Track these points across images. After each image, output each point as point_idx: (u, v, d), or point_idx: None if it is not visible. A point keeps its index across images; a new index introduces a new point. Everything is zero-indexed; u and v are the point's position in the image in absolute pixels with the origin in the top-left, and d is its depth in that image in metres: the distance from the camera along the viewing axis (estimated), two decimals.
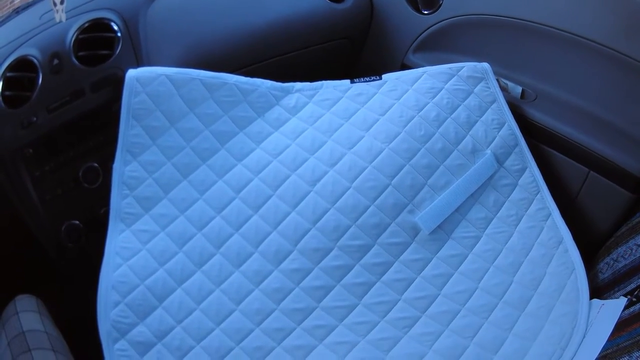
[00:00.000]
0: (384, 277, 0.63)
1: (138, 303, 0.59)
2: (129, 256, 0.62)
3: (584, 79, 0.78)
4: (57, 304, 0.73)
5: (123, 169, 0.66)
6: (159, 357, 0.57)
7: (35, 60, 0.72)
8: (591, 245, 0.71)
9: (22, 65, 0.73)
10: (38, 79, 0.72)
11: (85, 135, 0.74)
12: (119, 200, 0.64)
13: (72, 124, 0.73)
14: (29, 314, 0.64)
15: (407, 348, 0.59)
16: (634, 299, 0.56)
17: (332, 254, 0.63)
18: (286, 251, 0.63)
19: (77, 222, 0.74)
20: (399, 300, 0.62)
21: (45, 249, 0.76)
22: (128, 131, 0.67)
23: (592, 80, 0.77)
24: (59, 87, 0.72)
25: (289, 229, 0.64)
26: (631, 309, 0.56)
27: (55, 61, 0.73)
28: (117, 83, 0.70)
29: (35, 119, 0.71)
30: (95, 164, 0.74)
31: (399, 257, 0.64)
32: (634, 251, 0.62)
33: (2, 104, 0.70)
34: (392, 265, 0.64)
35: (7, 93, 0.71)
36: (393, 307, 0.62)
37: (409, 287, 0.63)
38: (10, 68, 0.72)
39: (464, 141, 0.71)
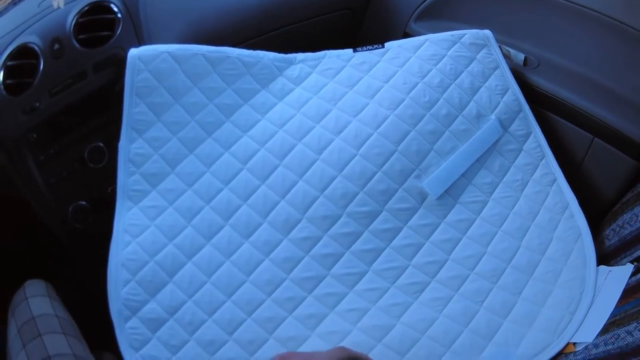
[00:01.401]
0: (393, 243, 0.63)
1: (148, 280, 0.59)
2: (137, 233, 0.62)
3: (585, 47, 0.78)
4: (68, 287, 0.73)
5: (129, 146, 0.65)
6: (171, 333, 0.57)
7: (35, 47, 0.72)
8: (596, 212, 0.71)
9: (23, 53, 0.72)
10: (39, 65, 0.71)
11: (89, 116, 0.73)
12: (126, 178, 0.64)
13: (75, 105, 0.73)
14: (38, 299, 0.64)
15: (418, 313, 0.59)
16: None
17: (340, 221, 0.63)
18: (295, 220, 0.63)
19: (84, 202, 0.74)
20: (409, 265, 0.62)
21: (54, 232, 0.76)
22: (132, 109, 0.67)
23: (594, 48, 0.77)
24: (61, 71, 0.72)
25: (297, 198, 0.64)
26: (638, 276, 0.56)
27: (56, 46, 0.72)
28: (120, 63, 0.70)
29: (37, 104, 0.71)
30: (101, 144, 0.73)
31: (407, 223, 0.65)
32: (639, 218, 0.62)
33: (4, 92, 0.70)
34: (400, 231, 0.64)
35: (8, 81, 0.70)
36: (403, 273, 0.62)
37: (417, 252, 0.63)
38: (11, 57, 0.72)
39: (468, 107, 0.71)
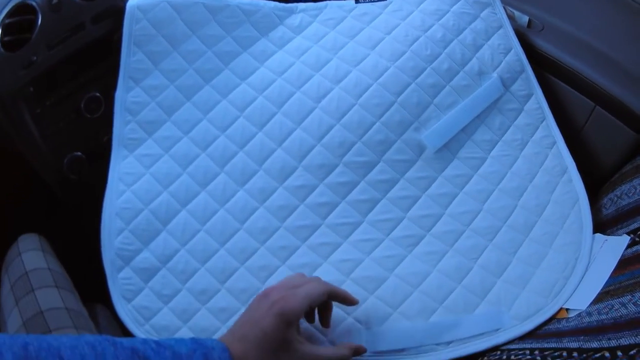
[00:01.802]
0: (389, 194, 0.63)
1: (142, 228, 0.59)
2: (132, 182, 0.61)
3: (593, 17, 0.77)
4: (62, 239, 0.73)
5: (125, 95, 0.65)
6: (164, 282, 0.57)
7: (33, 3, 0.71)
8: (594, 180, 0.70)
9: (21, 10, 0.72)
10: (37, 20, 0.70)
11: (86, 67, 0.73)
12: (122, 127, 0.64)
13: (73, 57, 0.72)
14: (31, 253, 0.63)
15: (412, 267, 0.59)
16: (637, 239, 0.56)
17: (337, 170, 0.62)
18: (291, 168, 0.62)
19: (80, 153, 0.74)
20: (404, 218, 0.62)
21: (49, 184, 0.76)
22: (130, 58, 0.66)
23: (602, 19, 0.76)
24: (59, 25, 0.71)
25: (294, 146, 0.63)
26: (634, 248, 0.55)
27: (54, 0, 0.72)
28: (118, 14, 0.69)
29: (35, 58, 0.70)
30: (97, 94, 0.73)
31: (404, 175, 0.64)
32: (638, 190, 0.62)
33: (2, 50, 0.69)
34: (397, 183, 0.63)
35: (6, 38, 0.69)
36: (398, 225, 0.61)
37: (413, 205, 0.63)
38: (9, 15, 0.71)
39: (470, 63, 0.70)
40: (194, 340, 0.43)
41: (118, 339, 0.40)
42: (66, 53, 0.71)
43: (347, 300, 0.53)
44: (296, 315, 0.46)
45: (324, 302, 0.52)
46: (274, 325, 0.45)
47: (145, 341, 0.41)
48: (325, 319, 0.53)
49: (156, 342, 0.41)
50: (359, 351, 0.52)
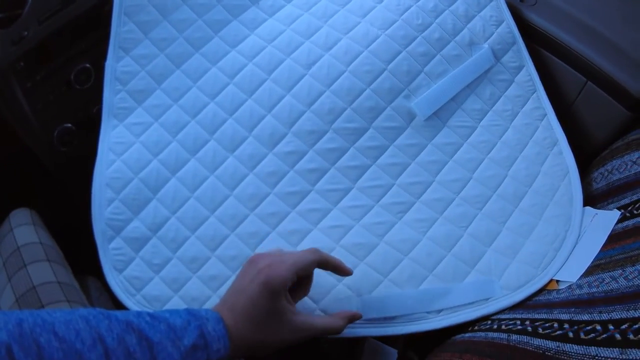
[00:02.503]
0: (379, 161, 0.63)
1: (132, 197, 0.59)
2: (122, 151, 0.61)
3: None
4: (53, 213, 0.73)
5: (115, 65, 0.64)
6: (154, 251, 0.57)
7: None
8: (584, 154, 0.70)
9: None
10: None
11: (76, 39, 0.72)
12: (112, 96, 0.64)
13: (63, 29, 0.72)
14: (23, 228, 0.63)
15: (401, 234, 0.59)
16: (628, 214, 0.56)
17: (326, 136, 0.62)
18: (280, 134, 0.62)
19: (70, 125, 0.73)
20: (394, 184, 0.62)
21: (39, 157, 0.75)
22: (120, 28, 0.66)
23: None
24: None
25: (284, 112, 0.63)
26: (624, 224, 0.55)
27: None
28: None
29: (26, 33, 0.70)
30: (87, 65, 0.72)
31: (394, 142, 0.64)
32: (628, 167, 0.62)
33: None
34: (387, 150, 0.63)
35: None
36: (387, 192, 0.61)
37: (403, 172, 0.63)
38: None
39: (461, 33, 0.70)
40: (188, 311, 0.43)
41: (112, 312, 0.40)
42: (57, 26, 0.71)
43: (340, 270, 0.52)
44: (281, 283, 0.45)
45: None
46: (259, 293, 0.44)
47: (139, 314, 0.41)
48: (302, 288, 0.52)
49: (150, 315, 0.41)
50: (353, 319, 0.51)
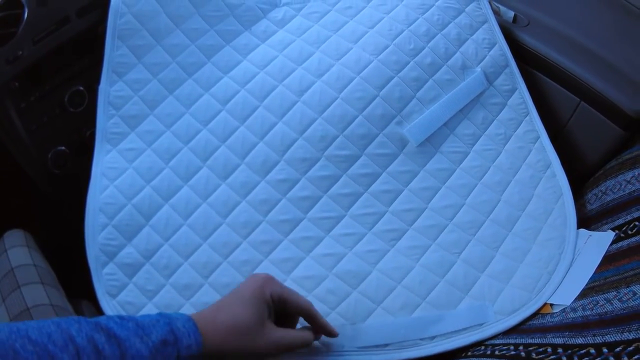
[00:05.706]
0: (371, 188, 0.63)
1: (125, 223, 0.59)
2: (115, 176, 0.61)
3: (578, 13, 0.77)
4: (47, 235, 0.73)
5: (108, 89, 0.65)
6: (148, 278, 0.57)
7: None
8: (578, 175, 0.70)
9: (7, 5, 0.71)
10: (24, 14, 0.70)
11: (70, 60, 0.72)
12: (105, 121, 0.64)
13: (58, 50, 0.72)
14: (17, 249, 0.63)
15: (394, 261, 0.59)
16: (622, 235, 0.56)
17: (319, 164, 0.62)
18: (273, 162, 0.62)
19: (64, 147, 0.73)
20: (386, 212, 0.62)
21: (33, 179, 0.75)
22: (113, 52, 0.66)
23: (586, 15, 0.76)
24: (45, 18, 0.70)
25: (276, 139, 0.63)
26: (619, 244, 0.55)
27: None
28: (103, 6, 0.69)
29: (21, 52, 0.70)
30: (81, 87, 0.72)
31: (386, 169, 0.64)
32: (622, 187, 0.62)
33: None
34: (379, 177, 0.63)
35: None
36: (380, 219, 0.61)
37: (396, 199, 0.63)
38: None
39: (453, 57, 0.70)
40: (159, 313, 0.44)
41: (83, 317, 0.41)
42: (51, 47, 0.71)
43: (325, 329, 0.51)
44: (274, 287, 0.48)
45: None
46: (250, 289, 0.47)
47: (109, 317, 0.42)
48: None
49: (119, 316, 0.42)
50: (326, 333, 0.51)
